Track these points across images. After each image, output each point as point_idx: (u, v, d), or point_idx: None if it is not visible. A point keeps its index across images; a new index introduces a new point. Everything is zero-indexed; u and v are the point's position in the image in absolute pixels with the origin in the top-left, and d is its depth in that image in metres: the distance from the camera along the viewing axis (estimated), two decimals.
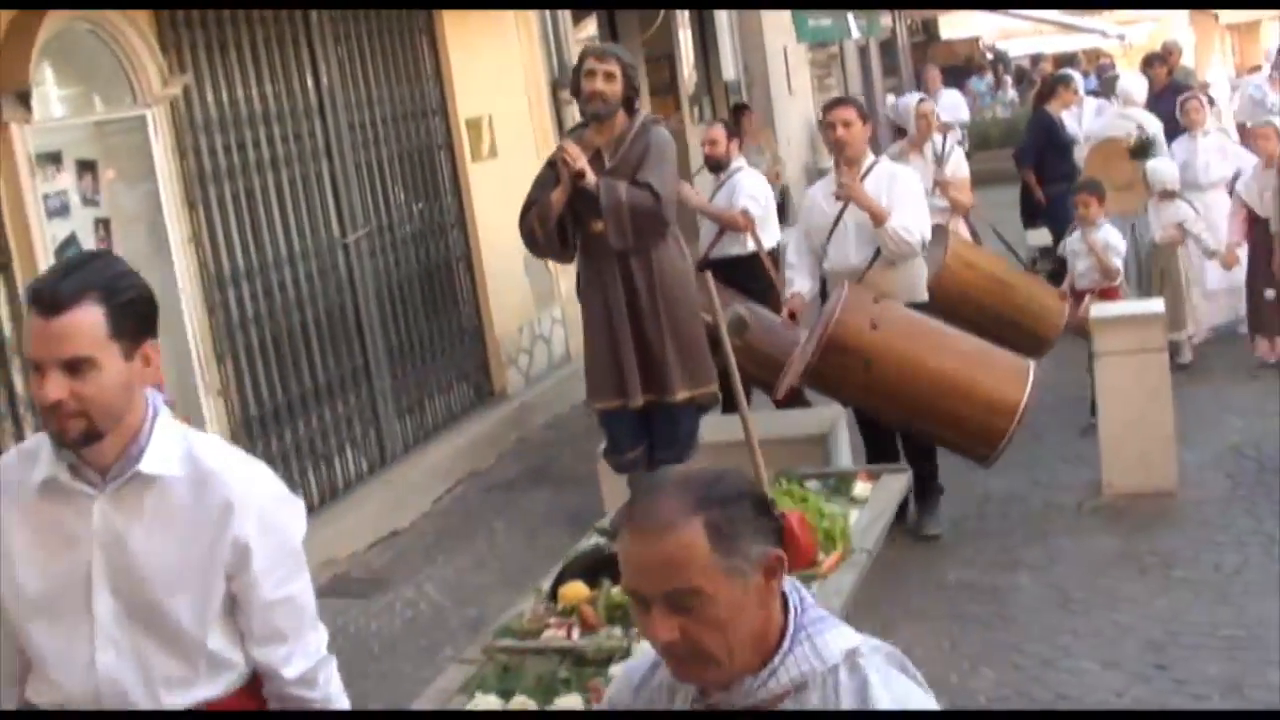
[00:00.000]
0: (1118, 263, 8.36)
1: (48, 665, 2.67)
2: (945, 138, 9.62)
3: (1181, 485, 7.19)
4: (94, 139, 6.74)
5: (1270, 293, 9.07)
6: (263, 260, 7.55)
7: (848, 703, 2.00)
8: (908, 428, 6.71)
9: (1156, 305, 7.66)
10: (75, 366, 2.48)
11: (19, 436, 5.81)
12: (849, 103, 7.17)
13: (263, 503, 2.68)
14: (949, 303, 7.56)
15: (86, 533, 2.60)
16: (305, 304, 7.84)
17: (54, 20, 6.13)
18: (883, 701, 1.99)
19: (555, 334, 10.68)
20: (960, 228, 9.18)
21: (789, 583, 2.10)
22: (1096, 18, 26.58)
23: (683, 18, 15.74)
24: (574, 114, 8.19)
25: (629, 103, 6.41)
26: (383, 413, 8.44)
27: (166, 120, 6.88)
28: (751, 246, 8.66)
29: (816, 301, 7.48)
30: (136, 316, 2.56)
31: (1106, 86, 15.66)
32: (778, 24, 16.69)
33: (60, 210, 6.38)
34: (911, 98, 10.48)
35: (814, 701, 2.01)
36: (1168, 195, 9.37)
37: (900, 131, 11.33)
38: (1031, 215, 12.03)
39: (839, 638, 2.06)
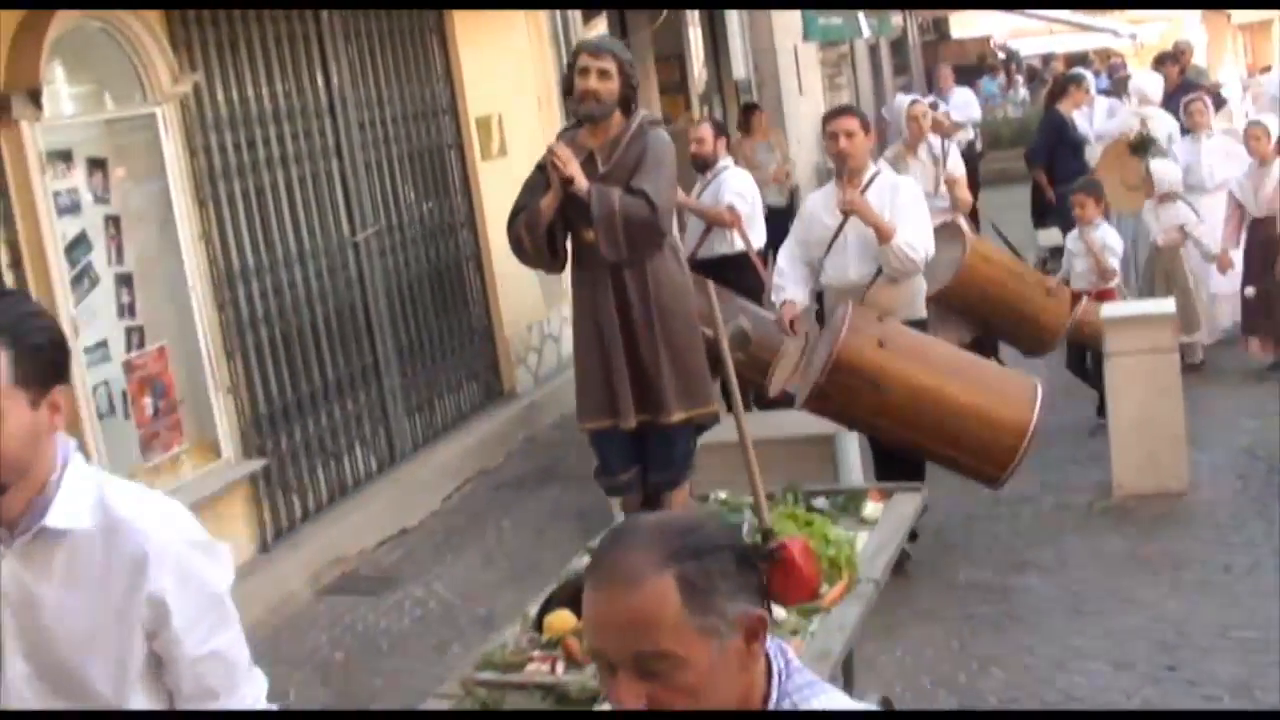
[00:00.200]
0: (1115, 263, 8.31)
1: None
2: (943, 139, 9.61)
3: (1192, 486, 7.18)
4: (104, 137, 6.74)
5: (1250, 290, 9.04)
6: (272, 258, 7.55)
7: None
8: (914, 450, 6.45)
9: (1167, 305, 7.64)
10: None
11: None
12: (851, 112, 6.93)
13: (179, 551, 2.44)
14: (966, 295, 7.56)
15: None
16: (315, 302, 7.84)
17: (64, 18, 6.13)
18: None
19: (564, 333, 10.64)
20: (961, 224, 9.16)
21: (773, 643, 1.93)
22: (1108, 17, 26.54)
23: (693, 16, 15.74)
24: None
25: (626, 103, 6.02)
26: (392, 411, 8.44)
27: (177, 118, 6.88)
28: (740, 245, 8.64)
29: (809, 312, 7.33)
30: (45, 361, 2.35)
31: (1118, 86, 15.64)
32: (788, 23, 16.67)
33: (71, 208, 6.39)
34: (903, 100, 10.40)
35: None
36: (1168, 197, 9.31)
37: None
38: (1042, 215, 12.01)
39: (827, 704, 1.90)
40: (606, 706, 2.94)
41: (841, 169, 6.66)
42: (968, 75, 22.60)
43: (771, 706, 1.87)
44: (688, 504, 5.71)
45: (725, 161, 9.00)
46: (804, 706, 1.88)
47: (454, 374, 9.27)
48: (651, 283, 6.05)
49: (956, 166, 9.54)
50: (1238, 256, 9.27)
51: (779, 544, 4.22)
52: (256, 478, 7.16)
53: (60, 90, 6.60)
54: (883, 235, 6.41)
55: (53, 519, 2.39)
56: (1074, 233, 8.50)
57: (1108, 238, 8.33)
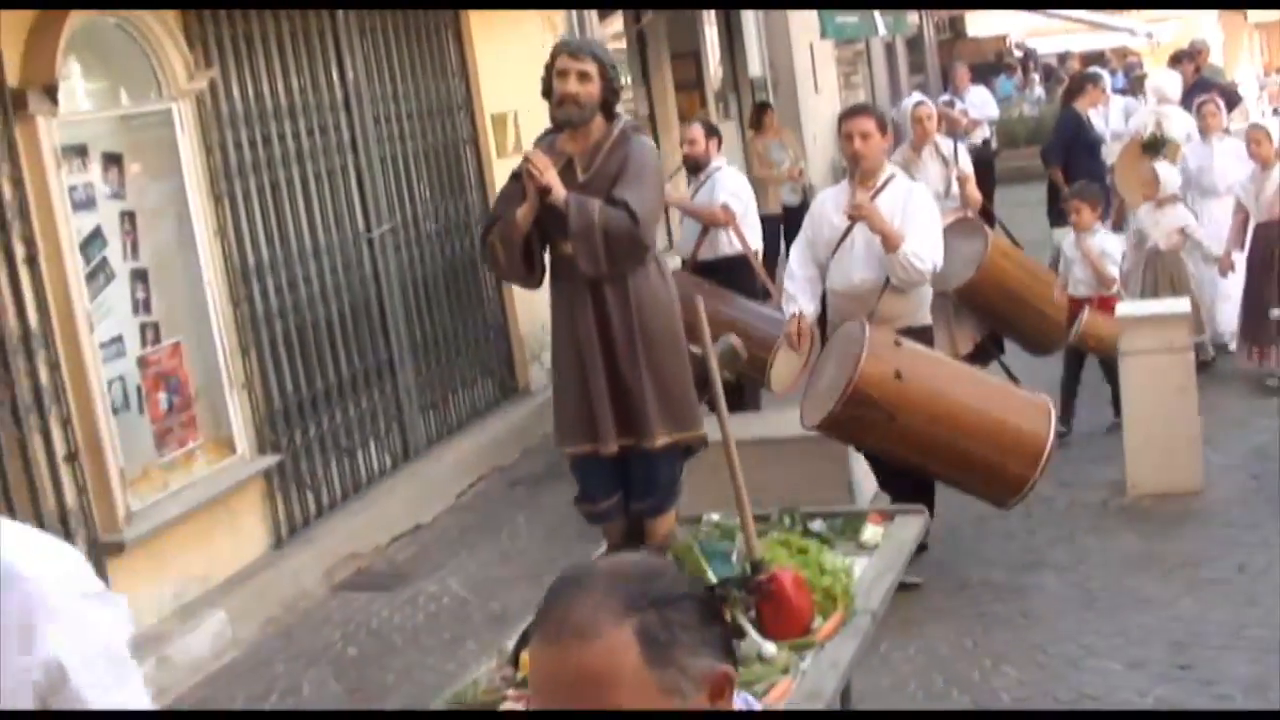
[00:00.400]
0: (1114, 271, 8.21)
1: None
2: (955, 140, 9.58)
3: (1207, 486, 7.16)
4: (120, 132, 6.76)
5: (1276, 312, 8.70)
6: (288, 254, 7.56)
7: None
8: (926, 474, 6.29)
9: (1182, 305, 7.60)
10: None
11: (44, 425, 5.85)
12: (868, 112, 6.66)
13: (72, 607, 2.19)
14: (987, 291, 7.57)
15: None
16: (330, 298, 7.85)
17: (80, 14, 6.15)
18: None
19: None
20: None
21: (740, 697, 1.80)
22: (1125, 16, 26.47)
23: (709, 14, 15.74)
24: None
25: (608, 107, 5.59)
26: (406, 407, 8.45)
27: (192, 114, 6.89)
28: (739, 246, 8.63)
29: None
30: None
31: (1134, 85, 15.60)
32: (804, 21, 16.66)
33: (86, 203, 6.40)
34: (909, 100, 10.32)
35: None
36: (1169, 200, 9.23)
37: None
38: (1058, 214, 11.97)
39: None
40: None
41: (854, 170, 6.49)
42: (984, 74, 22.56)
43: None
44: (672, 532, 5.45)
45: (718, 162, 8.99)
46: None
47: (469, 370, 9.28)
48: (633, 299, 5.61)
49: (965, 165, 9.49)
50: (1240, 259, 9.20)
51: (769, 575, 4.05)
52: (271, 474, 7.18)
53: (76, 86, 6.62)
54: (890, 243, 6.21)
55: None
56: (1071, 239, 8.43)
57: (1105, 244, 8.27)
